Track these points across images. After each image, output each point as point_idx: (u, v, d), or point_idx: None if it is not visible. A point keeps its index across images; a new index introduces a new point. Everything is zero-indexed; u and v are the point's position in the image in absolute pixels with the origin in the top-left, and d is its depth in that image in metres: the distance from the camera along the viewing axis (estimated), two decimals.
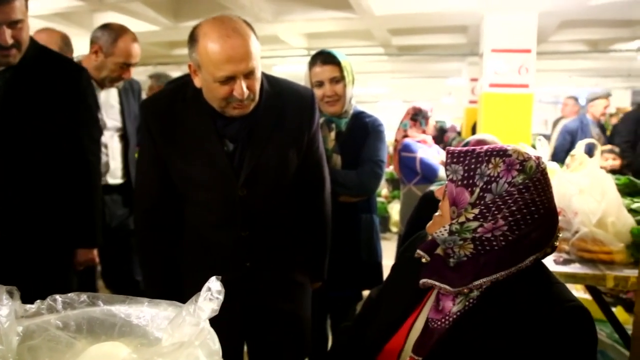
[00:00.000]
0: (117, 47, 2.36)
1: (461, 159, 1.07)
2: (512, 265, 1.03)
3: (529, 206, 1.02)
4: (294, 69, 9.11)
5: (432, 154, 3.30)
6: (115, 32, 2.38)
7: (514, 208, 1.01)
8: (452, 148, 1.12)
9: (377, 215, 2.40)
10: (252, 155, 1.51)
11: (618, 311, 2.61)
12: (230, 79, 1.39)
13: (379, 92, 16.01)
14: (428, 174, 3.17)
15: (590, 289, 2.25)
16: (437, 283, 1.09)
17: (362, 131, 2.21)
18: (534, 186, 1.03)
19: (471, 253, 1.05)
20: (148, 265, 1.66)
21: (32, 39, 1.96)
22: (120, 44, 2.37)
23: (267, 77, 1.58)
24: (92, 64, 2.38)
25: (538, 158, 1.07)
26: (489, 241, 1.03)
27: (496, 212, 1.02)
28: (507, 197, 1.02)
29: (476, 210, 1.03)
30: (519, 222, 1.01)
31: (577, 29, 7.14)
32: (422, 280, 1.12)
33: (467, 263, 1.06)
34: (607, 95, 5.43)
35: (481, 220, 1.02)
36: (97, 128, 2.14)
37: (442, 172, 3.14)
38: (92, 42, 2.41)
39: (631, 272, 1.78)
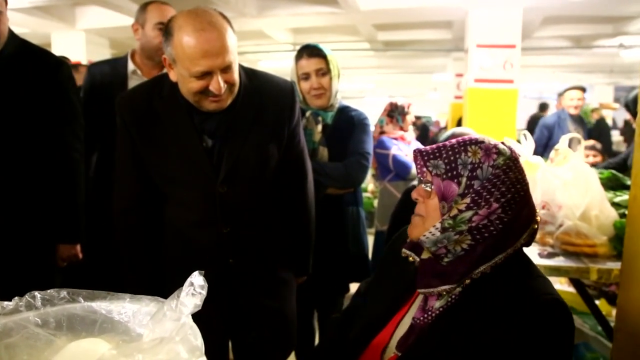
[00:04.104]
0: (148, 12, 2.33)
1: (437, 154, 1.07)
2: (509, 246, 1.05)
3: (515, 185, 1.03)
4: (279, 64, 9.08)
5: (410, 151, 3.30)
6: (145, 3, 2.37)
7: (503, 189, 1.02)
8: (421, 148, 1.11)
9: (364, 209, 2.41)
10: (231, 151, 1.48)
11: (601, 304, 2.64)
12: (206, 74, 1.36)
13: (364, 87, 16.05)
14: (400, 171, 3.18)
15: (574, 282, 2.27)
16: (434, 289, 1.08)
17: (348, 124, 2.23)
18: (514, 165, 1.05)
19: (469, 245, 1.04)
20: (129, 266, 1.62)
21: (12, 33, 1.92)
22: (150, 7, 2.34)
23: (245, 71, 1.55)
24: (140, 46, 2.36)
25: (502, 142, 1.09)
26: (486, 227, 1.02)
27: (488, 197, 1.02)
28: (495, 180, 1.02)
29: (467, 200, 1.02)
30: (510, 202, 1.02)
31: (560, 25, 7.21)
32: (422, 291, 1.11)
33: (464, 256, 1.05)
34: (577, 88, 5.37)
35: (474, 208, 1.02)
36: (80, 124, 2.11)
37: (415, 169, 3.14)
38: (133, 26, 2.39)
39: (614, 265, 1.80)
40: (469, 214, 1.02)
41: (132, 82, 2.36)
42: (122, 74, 2.37)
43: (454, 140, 1.08)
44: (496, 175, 1.02)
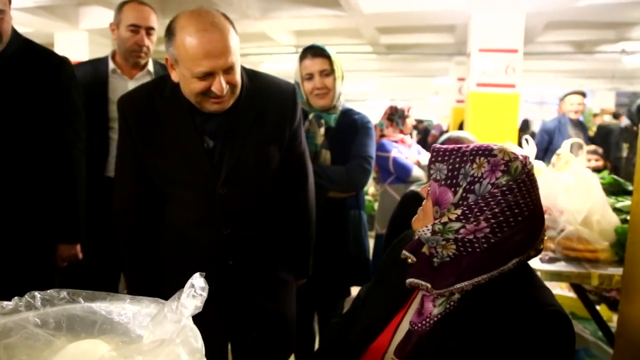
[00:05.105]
0: (122, 13, 2.34)
1: (446, 158, 1.05)
2: (494, 268, 1.01)
3: (512, 208, 0.99)
4: (282, 67, 9.09)
5: (411, 154, 3.31)
6: (121, 2, 2.39)
7: (496, 210, 0.99)
8: (438, 145, 1.09)
9: (365, 212, 2.40)
10: (232, 152, 1.48)
11: (602, 309, 2.64)
12: (208, 75, 1.35)
13: (367, 90, 16.05)
14: (401, 173, 3.19)
15: (575, 287, 2.27)
16: (421, 282, 1.07)
17: (350, 128, 2.22)
18: (518, 188, 1.00)
19: (454, 254, 1.03)
20: (130, 267, 1.62)
21: (15, 32, 1.92)
22: (125, 8, 2.35)
23: (247, 72, 1.54)
24: (118, 47, 2.39)
25: (525, 158, 1.04)
26: (471, 243, 1.01)
27: (478, 214, 0.99)
28: (489, 199, 0.99)
29: (459, 211, 1.01)
30: (502, 225, 0.99)
31: (563, 30, 7.20)
32: (408, 280, 1.10)
33: (449, 264, 1.04)
34: (577, 92, 5.34)
35: (463, 221, 1.00)
36: (81, 123, 2.11)
37: (415, 172, 3.17)
38: (110, 26, 2.42)
39: (615, 271, 1.80)
40: (457, 225, 1.01)
41: (113, 81, 2.38)
42: (103, 73, 2.39)
43: (470, 146, 1.05)
44: (492, 195, 1.00)
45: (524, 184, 1.01)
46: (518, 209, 1.00)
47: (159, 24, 2.40)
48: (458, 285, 1.02)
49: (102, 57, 2.49)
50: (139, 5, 2.36)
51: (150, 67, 2.47)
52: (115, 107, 2.31)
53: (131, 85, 2.38)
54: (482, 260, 1.01)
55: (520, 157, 1.03)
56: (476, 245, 1.00)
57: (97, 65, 2.42)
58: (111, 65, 2.40)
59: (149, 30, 2.35)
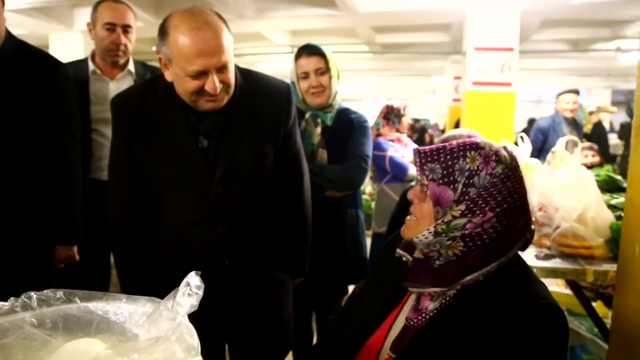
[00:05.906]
0: (98, 12, 2.32)
1: (435, 157, 1.05)
2: (501, 256, 1.04)
3: (512, 195, 1.02)
4: (278, 66, 9.10)
5: (407, 153, 3.32)
6: (97, 1, 2.36)
7: (499, 198, 1.01)
8: (421, 148, 1.10)
9: (362, 211, 2.41)
10: (227, 152, 1.48)
11: (598, 306, 2.64)
12: (202, 74, 1.35)
13: (363, 90, 16.07)
14: (397, 172, 3.19)
15: (571, 284, 2.28)
16: (422, 290, 1.08)
17: (347, 127, 2.22)
18: (513, 174, 1.04)
19: (461, 251, 1.03)
20: (126, 268, 1.61)
21: (9, 34, 1.92)
22: (100, 7, 2.33)
23: (241, 71, 1.54)
24: (96, 47, 2.37)
25: (504, 147, 1.08)
26: (479, 236, 1.02)
27: (483, 205, 1.01)
28: (491, 189, 1.01)
29: (462, 207, 1.02)
30: (506, 212, 1.01)
31: (558, 28, 7.23)
32: (411, 290, 1.11)
33: (455, 262, 1.04)
34: (571, 91, 5.36)
35: (469, 215, 1.01)
36: (77, 124, 2.11)
37: (412, 170, 3.17)
38: (88, 26, 2.40)
39: (610, 267, 1.80)
40: (462, 221, 1.01)
41: (93, 83, 2.37)
42: (84, 75, 2.36)
43: (454, 143, 1.06)
44: (493, 184, 1.02)
45: (515, 170, 1.05)
46: (517, 194, 1.03)
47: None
48: (468, 277, 1.04)
49: (82, 58, 2.47)
50: (114, 4, 2.32)
51: (131, 66, 2.44)
52: (96, 108, 2.33)
53: (112, 86, 2.37)
54: (489, 251, 1.03)
55: (502, 146, 1.07)
56: (484, 237, 1.02)
57: (77, 67, 2.39)
58: (91, 66, 2.38)
59: (125, 28, 2.32)
